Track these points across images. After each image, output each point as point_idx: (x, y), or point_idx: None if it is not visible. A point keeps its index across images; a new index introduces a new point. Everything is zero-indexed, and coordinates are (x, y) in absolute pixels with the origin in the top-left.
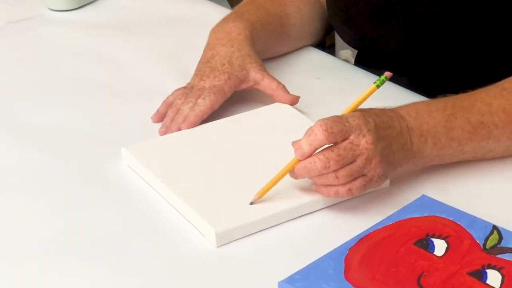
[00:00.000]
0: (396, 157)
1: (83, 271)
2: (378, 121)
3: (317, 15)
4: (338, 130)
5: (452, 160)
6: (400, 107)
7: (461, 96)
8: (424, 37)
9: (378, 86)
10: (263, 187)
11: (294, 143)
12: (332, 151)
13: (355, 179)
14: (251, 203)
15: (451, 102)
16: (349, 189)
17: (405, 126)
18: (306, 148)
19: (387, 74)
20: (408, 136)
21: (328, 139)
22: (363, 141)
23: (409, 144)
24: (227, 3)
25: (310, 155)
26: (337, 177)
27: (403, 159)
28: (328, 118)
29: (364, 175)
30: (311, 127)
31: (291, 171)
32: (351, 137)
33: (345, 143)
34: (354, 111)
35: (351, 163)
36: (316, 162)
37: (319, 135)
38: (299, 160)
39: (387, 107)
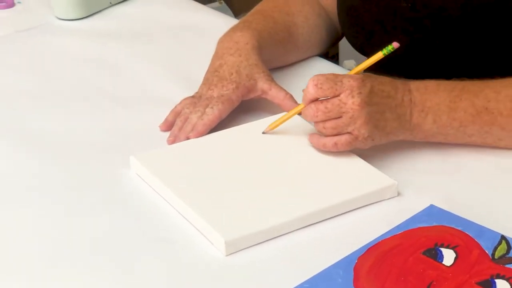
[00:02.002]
0: (388, 125)
1: (90, 280)
2: (377, 89)
3: (324, 25)
4: (327, 87)
5: (458, 141)
6: (413, 81)
7: (474, 81)
8: (433, 42)
9: (384, 54)
10: (275, 121)
11: (303, 90)
12: (322, 103)
13: (341, 134)
14: (263, 133)
15: (461, 85)
16: (335, 143)
17: (408, 99)
18: (304, 97)
19: (395, 44)
20: (409, 109)
21: (317, 93)
22: (350, 101)
23: (408, 116)
24: (231, 12)
25: (308, 103)
26: (324, 128)
27: (398, 128)
28: (323, 75)
29: (349, 133)
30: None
31: None
32: (342, 95)
33: (335, 99)
34: (359, 73)
35: (337, 118)
36: (308, 109)
37: (310, 89)
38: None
39: (402, 80)
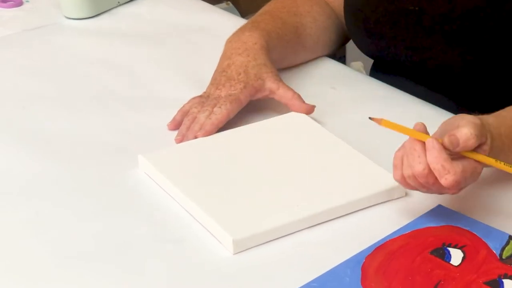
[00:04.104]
0: None
1: (98, 279)
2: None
3: (333, 26)
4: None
5: None
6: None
7: None
8: (439, 47)
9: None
10: (393, 123)
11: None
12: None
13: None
14: (370, 118)
15: None
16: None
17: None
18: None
19: None
20: None
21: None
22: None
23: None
24: (238, 13)
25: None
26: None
27: None
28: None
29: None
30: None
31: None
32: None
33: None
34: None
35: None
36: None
37: (448, 184)
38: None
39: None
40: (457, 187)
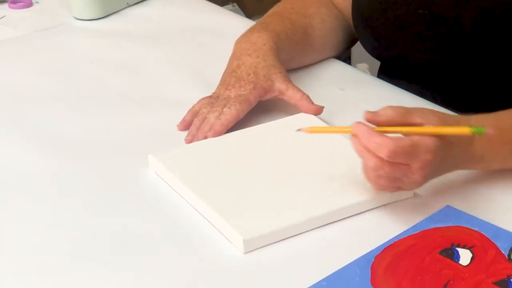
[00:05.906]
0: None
1: (109, 278)
2: (447, 154)
3: (340, 27)
4: (401, 160)
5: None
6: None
7: None
8: (449, 50)
9: (472, 133)
10: (319, 127)
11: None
12: (389, 166)
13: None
14: (298, 130)
15: None
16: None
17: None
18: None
19: (488, 131)
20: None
21: (389, 159)
22: (418, 174)
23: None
24: (243, 15)
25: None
26: (377, 181)
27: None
28: (398, 146)
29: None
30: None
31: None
32: (413, 166)
33: (405, 167)
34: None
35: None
36: (370, 160)
37: (384, 154)
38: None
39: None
40: (395, 157)
